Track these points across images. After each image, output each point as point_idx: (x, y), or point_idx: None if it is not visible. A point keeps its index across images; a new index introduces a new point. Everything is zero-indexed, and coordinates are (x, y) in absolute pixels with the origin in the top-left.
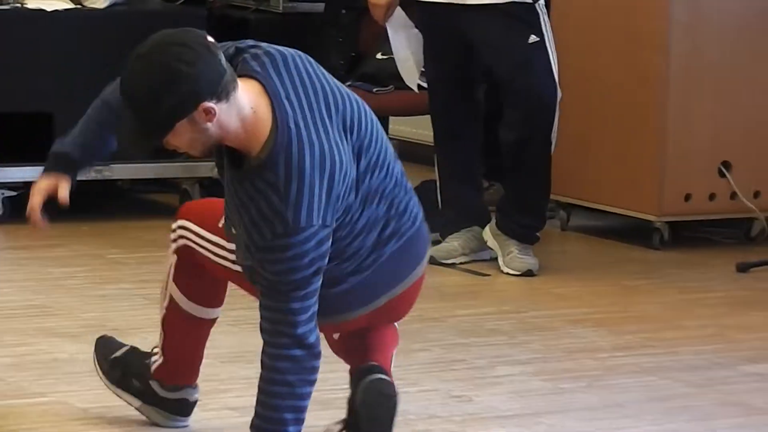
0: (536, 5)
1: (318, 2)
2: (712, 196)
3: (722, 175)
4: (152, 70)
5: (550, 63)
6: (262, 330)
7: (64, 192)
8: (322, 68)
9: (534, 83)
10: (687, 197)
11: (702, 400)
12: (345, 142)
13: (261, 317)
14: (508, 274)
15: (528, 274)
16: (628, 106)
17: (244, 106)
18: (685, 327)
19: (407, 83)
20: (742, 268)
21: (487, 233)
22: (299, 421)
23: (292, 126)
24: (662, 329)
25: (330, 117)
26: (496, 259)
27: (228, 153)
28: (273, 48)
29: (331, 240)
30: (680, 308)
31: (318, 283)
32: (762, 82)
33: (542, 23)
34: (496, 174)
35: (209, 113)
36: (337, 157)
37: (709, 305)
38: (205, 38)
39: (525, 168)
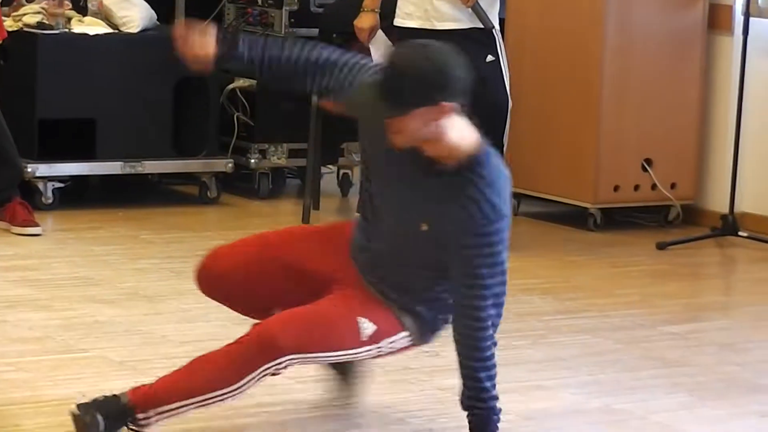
0: (493, 31)
1: (313, 28)
2: (636, 187)
3: (645, 170)
4: (431, 57)
5: (503, 78)
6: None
7: (205, 48)
8: None
9: (489, 95)
10: (616, 188)
11: (628, 355)
12: None
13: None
14: None
15: None
16: (569, 114)
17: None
18: (615, 294)
19: None
20: (661, 246)
21: None
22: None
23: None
24: (596, 296)
25: None
26: None
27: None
28: None
29: None
30: (610, 279)
31: None
32: (677, 95)
33: (497, 45)
34: None
35: (446, 112)
36: None
37: (634, 277)
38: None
39: None
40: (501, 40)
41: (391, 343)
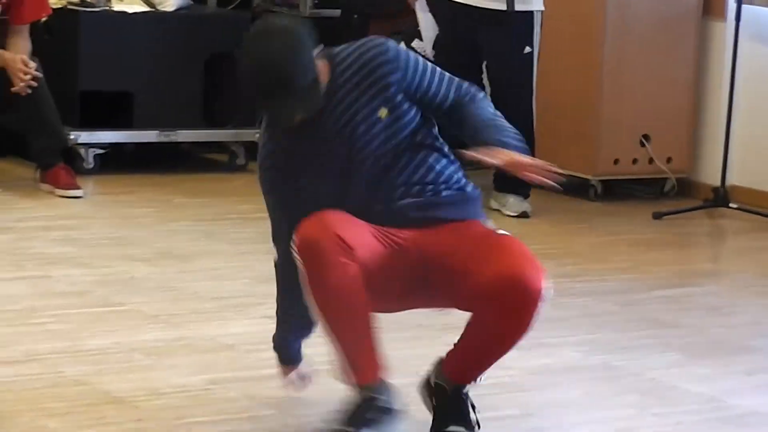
0: (534, 14)
1: (335, 9)
2: (635, 161)
3: (643, 144)
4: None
5: (532, 77)
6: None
7: (305, 375)
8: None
9: (515, 103)
10: (616, 161)
11: (624, 316)
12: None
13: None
14: (509, 216)
15: (523, 216)
16: (572, 90)
17: None
18: (612, 260)
19: (425, 45)
20: (657, 216)
21: (491, 201)
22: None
23: None
24: (594, 262)
25: None
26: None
27: None
28: None
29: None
30: (608, 246)
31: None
32: (673, 77)
33: (535, 34)
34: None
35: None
36: None
37: (631, 244)
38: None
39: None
40: (539, 28)
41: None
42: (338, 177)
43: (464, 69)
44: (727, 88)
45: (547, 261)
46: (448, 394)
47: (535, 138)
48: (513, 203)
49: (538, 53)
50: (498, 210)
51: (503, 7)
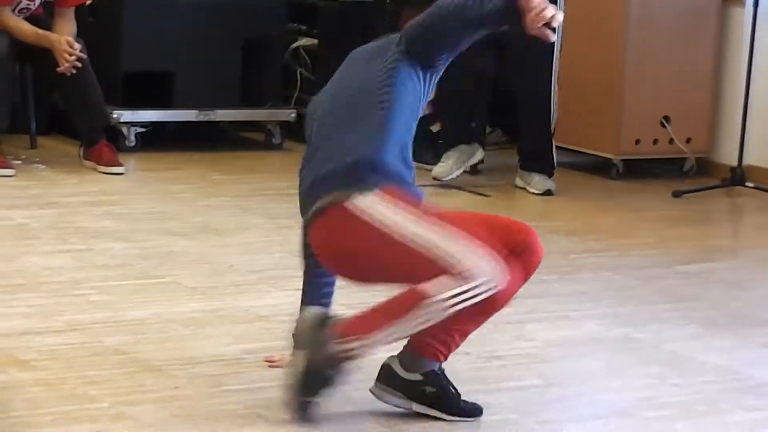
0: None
1: None
2: (655, 141)
3: (663, 125)
4: None
5: (551, 65)
6: None
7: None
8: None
9: (534, 86)
10: (637, 141)
11: (645, 290)
12: None
13: None
14: (534, 193)
15: (547, 193)
16: (596, 77)
17: None
18: (634, 236)
19: None
20: (677, 195)
21: (517, 179)
22: None
23: None
24: (617, 238)
25: None
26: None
27: None
28: None
29: None
30: (630, 223)
31: None
32: (693, 60)
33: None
34: (510, 131)
35: None
36: None
37: (652, 221)
38: None
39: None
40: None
41: None
42: None
43: (484, 52)
44: (745, 71)
45: (571, 237)
46: (442, 374)
47: (552, 120)
48: (538, 181)
49: (561, 38)
50: (523, 188)
51: None
